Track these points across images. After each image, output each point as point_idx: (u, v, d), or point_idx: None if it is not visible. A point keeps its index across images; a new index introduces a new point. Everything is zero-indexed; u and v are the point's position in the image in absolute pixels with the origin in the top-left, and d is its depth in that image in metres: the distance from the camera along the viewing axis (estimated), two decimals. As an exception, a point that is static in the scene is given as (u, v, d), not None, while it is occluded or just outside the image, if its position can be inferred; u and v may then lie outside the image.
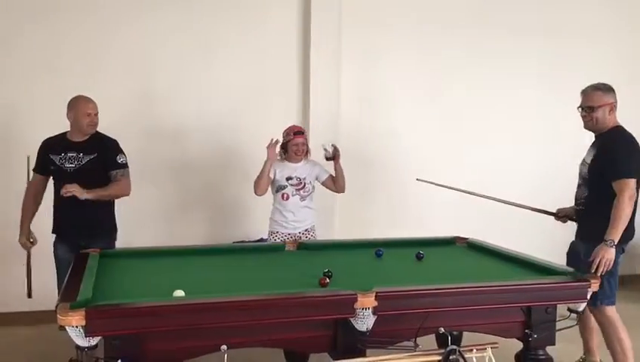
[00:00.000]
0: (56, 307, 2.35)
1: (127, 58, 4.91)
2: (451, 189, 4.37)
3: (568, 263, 3.58)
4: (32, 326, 4.49)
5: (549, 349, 3.03)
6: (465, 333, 3.45)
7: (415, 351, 2.72)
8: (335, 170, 4.37)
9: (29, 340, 4.41)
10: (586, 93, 3.50)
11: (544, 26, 5.79)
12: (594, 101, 3.43)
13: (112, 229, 3.85)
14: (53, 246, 3.82)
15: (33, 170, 3.83)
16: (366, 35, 5.39)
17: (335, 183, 4.39)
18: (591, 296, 3.02)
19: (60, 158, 3.69)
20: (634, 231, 3.46)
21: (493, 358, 2.73)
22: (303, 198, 4.27)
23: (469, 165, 5.65)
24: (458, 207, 5.44)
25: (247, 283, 3.01)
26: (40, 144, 3.82)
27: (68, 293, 2.54)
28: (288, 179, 4.25)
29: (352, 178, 5.31)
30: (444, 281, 2.95)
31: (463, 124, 5.68)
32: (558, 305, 2.99)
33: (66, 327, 2.27)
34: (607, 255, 3.26)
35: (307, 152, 4.36)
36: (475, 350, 2.76)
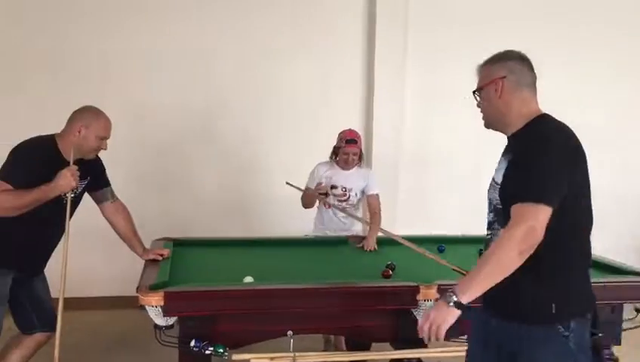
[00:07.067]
0: (137, 288, 2.53)
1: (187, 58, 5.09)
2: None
3: None
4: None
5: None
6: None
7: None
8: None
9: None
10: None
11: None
12: (480, 80, 2.12)
13: None
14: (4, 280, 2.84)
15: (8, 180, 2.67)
16: (433, 35, 5.39)
17: (370, 217, 3.89)
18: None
19: None
20: (592, 296, 1.99)
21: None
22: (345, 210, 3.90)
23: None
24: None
25: (313, 272, 3.11)
26: (25, 149, 2.79)
27: (147, 277, 2.73)
28: (333, 188, 3.88)
29: (415, 178, 5.41)
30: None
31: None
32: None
33: (146, 307, 2.45)
34: (437, 316, 1.82)
35: (360, 159, 3.95)
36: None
